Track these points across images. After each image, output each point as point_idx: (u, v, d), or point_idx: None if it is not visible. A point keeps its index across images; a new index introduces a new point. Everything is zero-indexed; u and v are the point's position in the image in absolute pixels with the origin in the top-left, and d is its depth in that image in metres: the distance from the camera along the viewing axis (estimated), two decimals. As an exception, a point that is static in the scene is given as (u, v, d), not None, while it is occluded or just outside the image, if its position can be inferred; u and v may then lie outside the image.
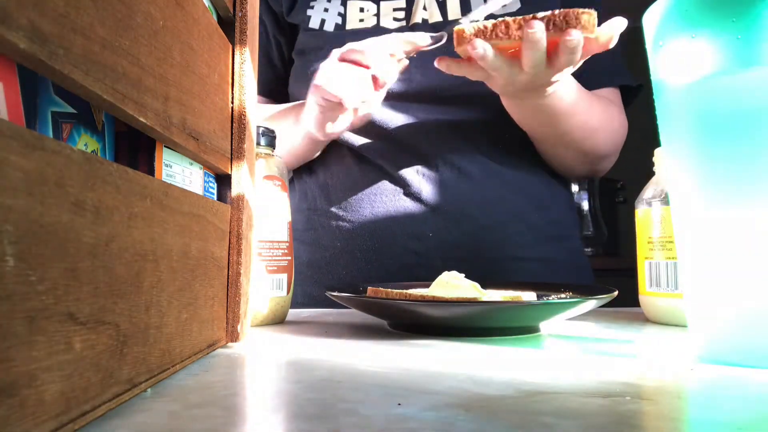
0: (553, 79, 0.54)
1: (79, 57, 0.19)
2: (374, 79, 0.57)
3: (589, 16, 0.47)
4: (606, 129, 0.71)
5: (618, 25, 0.49)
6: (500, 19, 0.49)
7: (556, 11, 0.48)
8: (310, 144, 0.71)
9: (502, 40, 0.49)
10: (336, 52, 0.59)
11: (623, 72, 0.77)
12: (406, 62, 0.59)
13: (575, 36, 0.47)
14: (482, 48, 0.49)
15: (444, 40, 0.57)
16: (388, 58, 0.58)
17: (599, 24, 0.49)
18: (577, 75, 0.60)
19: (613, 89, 0.76)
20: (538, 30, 0.47)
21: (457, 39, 0.51)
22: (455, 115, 0.70)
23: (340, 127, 0.62)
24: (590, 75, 0.69)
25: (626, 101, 0.78)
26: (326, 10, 0.76)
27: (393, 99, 0.70)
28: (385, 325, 0.47)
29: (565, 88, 0.61)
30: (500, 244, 0.70)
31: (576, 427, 0.20)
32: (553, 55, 0.51)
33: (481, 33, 0.50)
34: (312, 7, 0.77)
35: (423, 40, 0.59)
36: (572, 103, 0.63)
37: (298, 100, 0.73)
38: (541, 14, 0.48)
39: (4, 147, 0.15)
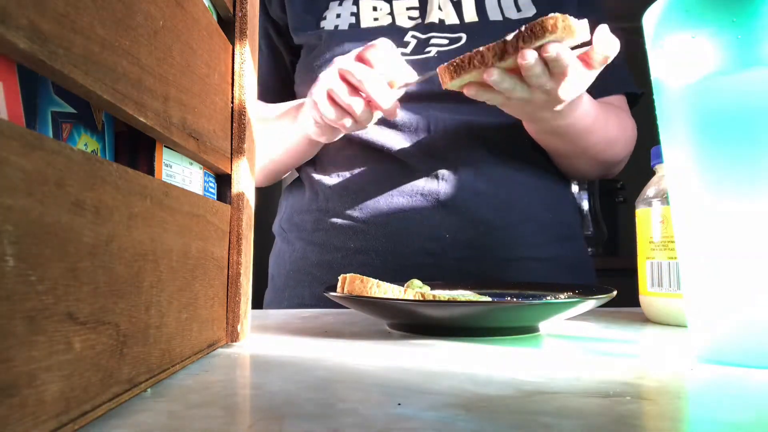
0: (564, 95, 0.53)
1: (79, 57, 0.19)
2: (369, 102, 0.58)
3: (555, 20, 0.46)
4: (621, 138, 0.73)
5: (602, 29, 0.49)
6: (474, 50, 0.50)
7: (523, 27, 0.47)
8: (309, 145, 0.71)
9: (479, 68, 0.49)
10: (340, 59, 0.59)
11: (629, 80, 0.79)
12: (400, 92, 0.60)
13: (552, 50, 0.47)
14: (495, 74, 0.50)
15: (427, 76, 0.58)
16: (385, 84, 0.58)
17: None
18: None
19: (619, 96, 0.78)
20: (530, 59, 0.47)
21: (442, 78, 0.52)
22: (473, 117, 0.71)
23: (339, 134, 0.64)
24: (599, 83, 0.71)
25: (629, 106, 0.80)
26: (338, 15, 0.76)
27: (412, 100, 0.70)
28: (385, 325, 0.47)
29: (584, 108, 0.61)
30: (513, 245, 0.70)
31: (576, 427, 0.20)
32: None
33: (459, 67, 0.51)
34: (325, 18, 0.76)
35: (412, 77, 0.59)
36: (592, 120, 0.64)
37: (303, 96, 0.73)
38: (509, 36, 0.48)
39: (4, 147, 0.15)
